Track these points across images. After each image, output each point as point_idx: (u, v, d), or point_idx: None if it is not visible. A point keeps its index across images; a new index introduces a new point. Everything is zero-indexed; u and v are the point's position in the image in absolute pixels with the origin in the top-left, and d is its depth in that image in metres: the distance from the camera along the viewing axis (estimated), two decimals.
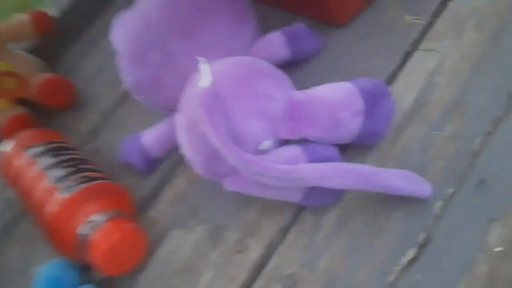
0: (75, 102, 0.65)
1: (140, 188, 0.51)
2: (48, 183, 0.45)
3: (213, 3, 0.48)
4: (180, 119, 0.42)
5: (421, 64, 0.45)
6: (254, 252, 0.41)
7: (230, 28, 0.48)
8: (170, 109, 0.50)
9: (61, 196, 0.44)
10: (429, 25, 0.47)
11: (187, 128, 0.41)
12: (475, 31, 0.44)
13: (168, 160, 0.51)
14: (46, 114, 0.64)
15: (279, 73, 0.43)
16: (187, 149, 0.41)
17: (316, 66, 0.50)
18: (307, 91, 0.41)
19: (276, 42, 0.48)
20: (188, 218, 0.46)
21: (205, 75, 0.38)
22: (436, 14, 0.47)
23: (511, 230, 0.33)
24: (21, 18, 0.66)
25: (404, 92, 0.44)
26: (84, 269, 0.45)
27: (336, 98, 0.40)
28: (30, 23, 0.65)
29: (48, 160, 0.48)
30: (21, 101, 0.65)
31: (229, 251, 0.42)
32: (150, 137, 0.50)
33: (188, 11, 0.48)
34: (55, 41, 0.70)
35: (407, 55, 0.46)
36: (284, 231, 0.41)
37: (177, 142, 0.49)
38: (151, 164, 0.51)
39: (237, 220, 0.44)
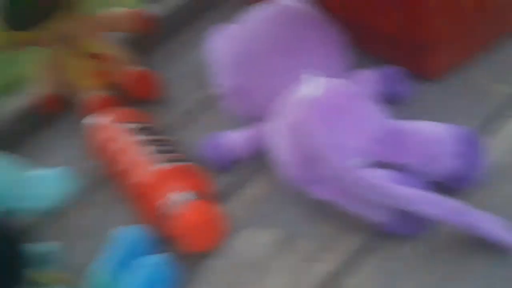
0: (159, 97, 0.65)
1: (214, 184, 0.50)
2: (142, 155, 0.45)
3: (317, 32, 0.51)
4: (278, 123, 0.43)
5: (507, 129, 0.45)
6: (325, 266, 0.40)
7: (326, 57, 0.50)
8: (255, 118, 0.51)
9: (154, 167, 0.43)
10: None
11: (287, 130, 0.41)
12: None
13: (244, 164, 0.51)
14: (130, 102, 0.65)
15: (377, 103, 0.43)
16: (283, 151, 0.41)
17: (399, 112, 0.50)
18: (406, 122, 0.41)
19: (369, 79, 0.49)
20: (261, 220, 0.45)
21: (314, 86, 0.39)
22: None
23: None
24: (123, 12, 0.68)
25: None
26: (159, 241, 0.44)
27: (432, 134, 0.40)
28: (131, 19, 0.67)
29: (142, 136, 0.48)
30: (111, 85, 0.66)
31: (300, 259, 0.41)
32: (234, 138, 0.50)
33: (293, 33, 0.50)
34: (152, 36, 0.71)
35: (492, 119, 0.46)
36: (359, 253, 0.40)
37: (259, 148, 0.50)
38: (229, 164, 0.51)
39: (311, 231, 0.43)
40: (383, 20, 0.50)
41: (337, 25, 0.52)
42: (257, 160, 0.50)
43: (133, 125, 0.50)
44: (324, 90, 0.40)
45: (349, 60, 0.51)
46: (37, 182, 0.31)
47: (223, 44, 0.55)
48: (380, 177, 0.38)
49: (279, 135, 0.42)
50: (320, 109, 0.37)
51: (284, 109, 0.43)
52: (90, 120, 0.56)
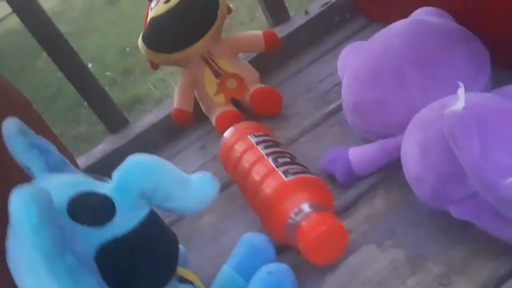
0: (282, 113, 0.67)
1: (336, 198, 0.49)
2: (268, 166, 0.46)
3: (457, 46, 0.46)
4: (412, 138, 0.40)
5: None
6: None
7: (467, 73, 0.45)
8: (380, 134, 0.49)
9: (279, 179, 0.44)
10: None
11: (422, 145, 0.38)
12: None
13: (367, 180, 0.49)
14: (252, 118, 0.67)
15: None
16: (417, 166, 0.39)
17: None
18: None
19: None
20: (384, 238, 0.43)
21: (460, 99, 0.36)
22: None
23: None
24: (256, 33, 0.71)
25: None
26: (280, 250, 0.44)
27: None
28: (263, 40, 0.70)
29: (266, 148, 0.49)
30: (235, 101, 0.69)
31: (431, 281, 0.38)
32: (358, 154, 0.49)
33: (431, 47, 0.47)
34: (277, 55, 0.74)
35: None
36: (499, 280, 0.36)
37: (383, 165, 0.48)
38: (351, 179, 0.49)
39: (441, 254, 0.39)
40: None
41: (477, 41, 0.47)
42: (380, 175, 0.49)
43: (258, 138, 0.51)
44: (471, 104, 0.36)
45: (490, 77, 0.47)
46: (191, 185, 0.33)
47: (350, 61, 0.54)
48: None
49: (410, 150, 0.40)
50: (469, 123, 0.33)
51: (425, 122, 0.40)
52: (220, 133, 0.59)
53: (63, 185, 0.28)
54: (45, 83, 2.68)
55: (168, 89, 2.18)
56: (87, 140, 2.08)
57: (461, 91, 0.36)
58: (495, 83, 0.47)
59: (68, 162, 0.36)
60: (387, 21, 0.54)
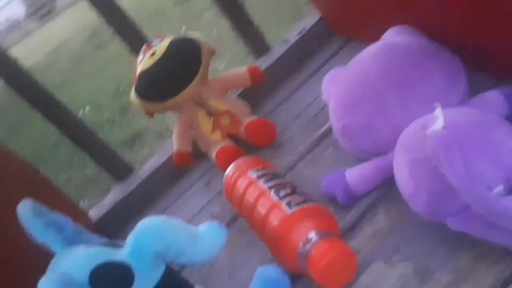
0: (274, 142, 0.68)
1: (340, 220, 0.50)
2: (271, 200, 0.47)
3: (428, 62, 0.48)
4: (400, 159, 0.42)
5: None
6: None
7: (442, 86, 0.47)
8: (372, 153, 0.50)
9: (283, 212, 0.45)
10: None
11: (411, 166, 0.40)
12: None
13: (367, 198, 0.50)
14: (249, 149, 0.68)
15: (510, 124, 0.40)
16: (408, 186, 0.40)
17: None
18: None
19: (493, 100, 0.45)
20: (391, 253, 0.44)
21: (439, 119, 0.37)
22: None
23: None
24: (240, 70, 0.73)
25: None
26: (294, 278, 0.45)
27: None
28: (248, 75, 0.72)
29: (267, 182, 0.50)
30: (231, 136, 0.71)
31: None
32: (355, 175, 0.50)
33: (404, 68, 0.48)
34: (262, 87, 0.76)
35: None
36: (505, 282, 0.36)
37: (379, 182, 0.49)
38: (352, 199, 0.50)
39: (446, 262, 0.40)
40: (498, 39, 0.46)
41: (447, 52, 0.49)
42: (379, 193, 0.50)
43: (258, 173, 0.52)
44: (449, 122, 0.37)
45: (466, 85, 0.48)
46: (201, 239, 0.34)
47: (332, 87, 0.56)
48: None
49: (401, 170, 0.41)
50: (450, 143, 0.35)
51: (409, 144, 0.41)
52: (222, 168, 0.60)
53: (82, 259, 0.29)
54: (46, 133, 2.70)
55: (166, 120, 2.20)
56: (95, 182, 2.09)
57: (438, 111, 0.38)
58: (476, 86, 0.49)
59: (82, 230, 0.37)
60: (362, 39, 0.55)
